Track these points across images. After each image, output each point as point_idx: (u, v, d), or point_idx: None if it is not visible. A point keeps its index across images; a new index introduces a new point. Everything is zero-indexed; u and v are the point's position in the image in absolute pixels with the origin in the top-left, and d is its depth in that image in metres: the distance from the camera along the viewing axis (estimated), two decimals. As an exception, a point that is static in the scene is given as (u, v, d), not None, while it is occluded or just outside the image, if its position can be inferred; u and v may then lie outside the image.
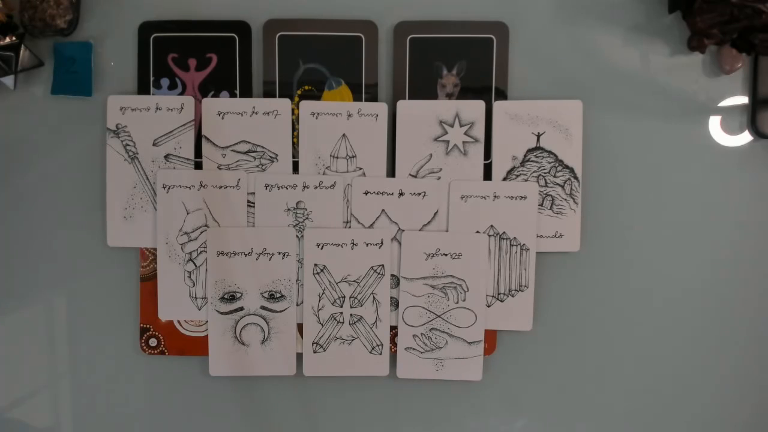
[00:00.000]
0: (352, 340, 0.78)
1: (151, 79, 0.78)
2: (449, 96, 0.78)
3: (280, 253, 0.77)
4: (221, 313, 0.78)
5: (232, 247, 0.77)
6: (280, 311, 0.78)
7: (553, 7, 0.78)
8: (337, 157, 0.77)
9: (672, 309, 0.80)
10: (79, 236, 0.79)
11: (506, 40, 0.77)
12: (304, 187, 0.77)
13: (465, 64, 0.77)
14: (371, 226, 0.78)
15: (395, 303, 0.78)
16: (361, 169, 0.77)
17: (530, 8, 0.78)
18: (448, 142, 0.77)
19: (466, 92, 0.78)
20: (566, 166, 0.78)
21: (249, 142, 0.77)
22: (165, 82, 0.77)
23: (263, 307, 0.78)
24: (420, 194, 0.77)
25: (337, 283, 0.77)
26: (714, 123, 0.79)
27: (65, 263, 0.79)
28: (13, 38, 0.74)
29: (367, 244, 0.77)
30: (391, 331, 0.78)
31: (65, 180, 0.78)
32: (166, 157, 0.77)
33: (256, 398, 0.80)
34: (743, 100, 0.79)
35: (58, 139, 0.78)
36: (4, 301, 0.79)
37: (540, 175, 0.78)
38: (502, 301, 0.78)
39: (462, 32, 0.77)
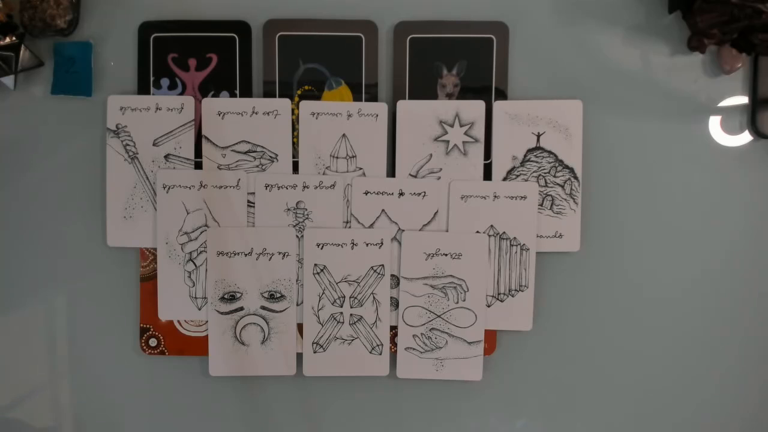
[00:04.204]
0: (352, 340, 0.78)
1: (151, 79, 0.78)
2: (449, 96, 0.78)
3: (280, 253, 0.77)
4: (221, 313, 0.78)
5: (232, 247, 0.77)
6: (280, 311, 0.78)
7: (553, 7, 0.78)
8: (337, 157, 0.77)
9: (672, 309, 0.80)
10: (79, 236, 0.79)
11: (506, 40, 0.77)
12: (304, 187, 0.77)
13: (465, 64, 0.77)
14: (371, 226, 0.78)
15: (395, 303, 0.78)
16: (361, 169, 0.77)
17: (530, 8, 0.78)
18: (448, 142, 0.77)
19: (466, 92, 0.78)
20: (566, 166, 0.78)
21: (249, 142, 0.77)
22: (165, 82, 0.77)
23: (263, 307, 0.78)
24: (420, 194, 0.77)
25: (337, 283, 0.77)
26: (714, 123, 0.79)
27: (65, 263, 0.79)
28: (13, 38, 0.74)
29: (367, 244, 0.77)
30: (391, 331, 0.78)
31: (65, 180, 0.78)
32: (166, 157, 0.77)
33: (256, 398, 0.80)
34: (743, 100, 0.79)
35: (58, 139, 0.78)
36: (4, 301, 0.79)
37: (540, 175, 0.78)
38: (502, 301, 0.78)
39: (462, 32, 0.77)
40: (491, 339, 0.79)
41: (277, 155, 0.77)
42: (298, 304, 0.78)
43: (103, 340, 0.79)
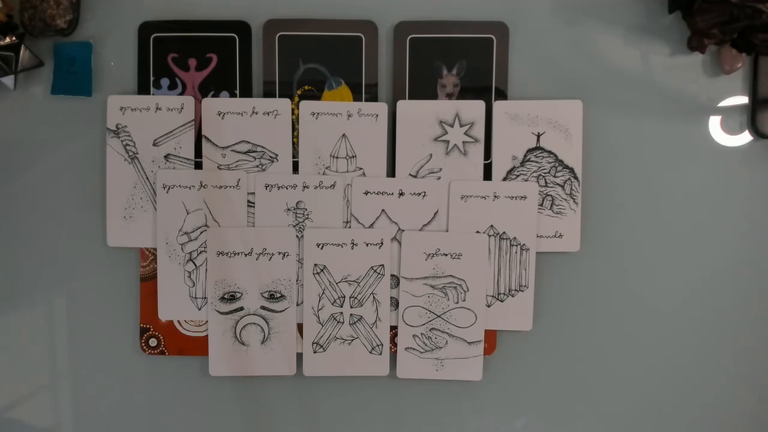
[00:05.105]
0: (352, 340, 0.78)
1: (151, 79, 0.78)
2: (449, 96, 0.78)
3: (280, 253, 0.77)
4: (221, 313, 0.78)
5: (232, 247, 0.77)
6: (280, 311, 0.78)
7: (553, 7, 0.78)
8: (337, 157, 0.77)
9: (671, 309, 0.80)
10: (79, 236, 0.79)
11: (506, 40, 0.77)
12: (304, 187, 0.77)
13: (465, 64, 0.77)
14: (371, 226, 0.78)
15: (395, 303, 0.78)
16: (361, 169, 0.77)
17: (530, 8, 0.78)
18: (448, 142, 0.77)
19: (466, 92, 0.78)
20: (566, 166, 0.78)
21: (249, 142, 0.77)
22: (165, 82, 0.77)
23: (263, 307, 0.78)
24: (420, 194, 0.77)
25: (337, 283, 0.77)
26: (714, 123, 0.79)
27: (65, 263, 0.79)
28: (13, 38, 0.74)
29: (367, 244, 0.77)
30: (391, 331, 0.78)
31: (65, 180, 0.78)
32: (166, 157, 0.77)
33: (256, 398, 0.80)
34: (743, 100, 0.79)
35: (58, 139, 0.78)
36: (4, 301, 0.79)
37: (540, 175, 0.78)
38: (502, 301, 0.78)
39: (462, 32, 0.77)
40: (491, 339, 0.79)
41: (277, 155, 0.77)
42: (298, 304, 0.78)
43: (103, 340, 0.79)
